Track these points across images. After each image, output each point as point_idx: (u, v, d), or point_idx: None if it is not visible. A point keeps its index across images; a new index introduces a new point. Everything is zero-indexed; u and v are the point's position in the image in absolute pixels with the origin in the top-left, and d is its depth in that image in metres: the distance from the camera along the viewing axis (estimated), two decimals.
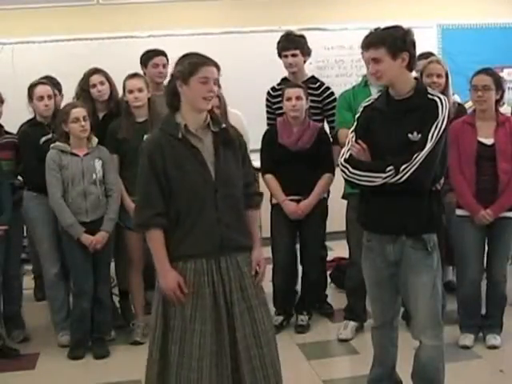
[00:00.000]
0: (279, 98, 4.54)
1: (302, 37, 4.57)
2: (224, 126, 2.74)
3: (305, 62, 4.60)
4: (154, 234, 2.66)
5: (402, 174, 2.77)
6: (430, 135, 2.77)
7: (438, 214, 2.92)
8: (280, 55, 4.56)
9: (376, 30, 2.88)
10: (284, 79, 4.69)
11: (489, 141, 3.81)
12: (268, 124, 4.67)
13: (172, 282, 2.63)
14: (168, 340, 2.67)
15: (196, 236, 2.64)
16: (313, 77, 4.61)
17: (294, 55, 4.49)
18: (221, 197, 2.66)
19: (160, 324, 2.69)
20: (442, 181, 2.96)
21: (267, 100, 4.71)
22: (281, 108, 4.52)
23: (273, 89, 4.70)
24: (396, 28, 2.84)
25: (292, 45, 4.49)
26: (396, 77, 2.84)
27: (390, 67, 2.80)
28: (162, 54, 4.72)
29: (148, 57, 4.67)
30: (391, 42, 2.78)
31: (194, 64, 2.63)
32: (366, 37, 2.87)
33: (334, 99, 4.51)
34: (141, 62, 4.67)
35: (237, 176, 2.74)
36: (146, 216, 2.65)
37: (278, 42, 4.58)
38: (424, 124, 2.79)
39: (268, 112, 4.68)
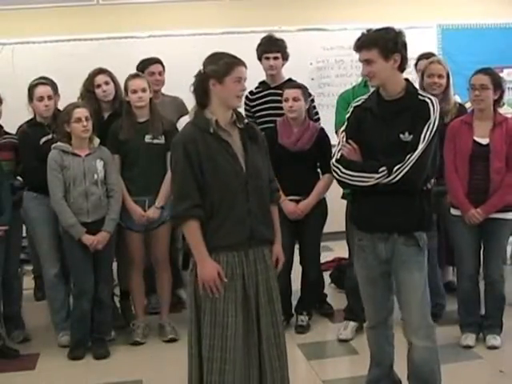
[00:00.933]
0: (258, 101, 4.63)
1: (283, 41, 4.63)
2: (247, 121, 2.84)
3: (283, 65, 4.64)
4: (191, 225, 2.71)
5: (394, 175, 2.80)
6: (423, 136, 2.80)
7: (428, 213, 2.95)
8: (260, 57, 4.61)
9: (368, 31, 2.90)
10: (262, 82, 4.74)
11: (484, 140, 3.83)
12: None
13: (212, 270, 2.69)
14: (201, 335, 2.74)
15: (228, 227, 2.71)
16: (290, 79, 4.63)
17: (275, 58, 4.56)
18: (251, 189, 2.74)
19: (194, 319, 2.77)
20: (432, 180, 2.99)
21: (245, 104, 4.69)
22: (259, 111, 4.62)
23: (251, 93, 4.71)
24: (387, 30, 2.87)
25: (275, 47, 4.57)
26: (388, 78, 2.87)
27: (382, 68, 2.84)
28: (158, 61, 4.73)
29: (144, 65, 4.67)
30: (383, 43, 2.81)
31: (229, 64, 2.73)
32: (358, 39, 2.89)
33: (312, 100, 4.57)
34: (137, 70, 4.66)
35: (264, 170, 2.83)
36: (184, 207, 2.70)
37: (259, 45, 4.63)
38: (415, 124, 2.82)
39: (247, 116, 4.62)
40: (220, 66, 2.72)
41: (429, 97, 2.90)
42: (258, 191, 2.78)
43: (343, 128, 3.02)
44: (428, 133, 2.79)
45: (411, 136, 2.81)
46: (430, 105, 2.84)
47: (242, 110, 4.56)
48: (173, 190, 2.85)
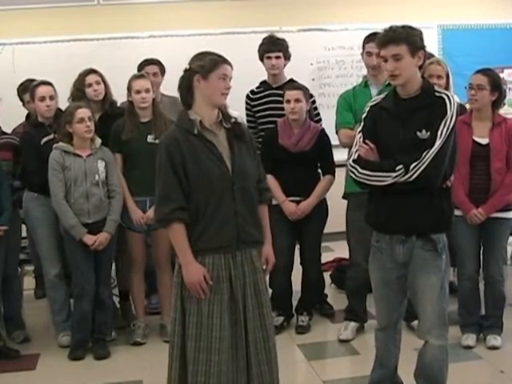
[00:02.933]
0: (259, 101, 4.63)
1: (284, 40, 4.63)
2: (234, 120, 2.79)
3: (285, 65, 4.63)
4: (175, 227, 2.69)
5: (411, 173, 2.75)
6: (439, 132, 2.76)
7: (448, 212, 2.90)
8: (262, 57, 4.60)
9: (391, 28, 2.83)
10: (263, 82, 4.73)
11: (484, 140, 3.83)
12: (248, 127, 4.67)
13: (197, 273, 2.66)
14: (186, 336, 2.71)
15: (214, 229, 2.68)
16: (291, 80, 4.62)
17: (277, 57, 4.55)
18: (238, 190, 2.71)
19: (179, 320, 2.74)
20: (452, 178, 2.93)
21: (246, 103, 4.70)
22: (260, 111, 4.60)
23: (252, 92, 4.72)
24: (411, 27, 2.83)
25: (276, 47, 4.56)
26: (412, 75, 2.83)
27: (409, 65, 2.79)
28: (154, 63, 4.72)
29: (141, 66, 4.68)
30: (412, 39, 2.78)
31: (215, 61, 2.71)
32: (384, 34, 2.82)
33: (313, 101, 4.57)
34: (137, 71, 4.66)
35: (251, 170, 2.79)
36: (167, 210, 2.67)
37: (261, 44, 4.63)
38: (432, 121, 2.78)
39: (247, 115, 4.67)
40: (206, 62, 2.70)
41: (445, 93, 2.87)
42: (245, 192, 2.73)
43: (360, 128, 2.98)
44: (445, 129, 2.75)
45: (428, 133, 2.77)
46: (447, 101, 2.80)
47: (243, 109, 4.64)
48: (156, 193, 2.79)
